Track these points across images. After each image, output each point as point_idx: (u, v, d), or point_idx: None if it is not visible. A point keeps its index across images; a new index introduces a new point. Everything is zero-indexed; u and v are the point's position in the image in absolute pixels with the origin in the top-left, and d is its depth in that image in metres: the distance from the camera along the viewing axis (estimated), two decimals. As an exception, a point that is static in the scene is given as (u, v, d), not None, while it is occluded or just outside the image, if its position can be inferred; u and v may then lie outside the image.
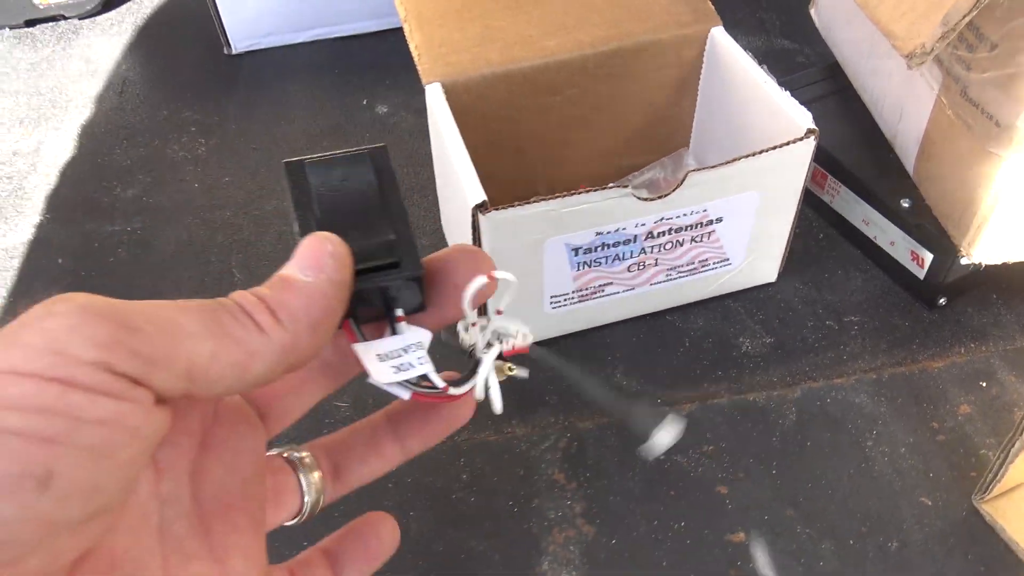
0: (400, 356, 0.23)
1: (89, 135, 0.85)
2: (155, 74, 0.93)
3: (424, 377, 0.24)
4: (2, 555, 0.17)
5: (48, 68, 0.94)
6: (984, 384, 0.61)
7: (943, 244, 0.62)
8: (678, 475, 0.57)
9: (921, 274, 0.65)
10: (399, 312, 0.24)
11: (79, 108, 0.88)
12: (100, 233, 0.75)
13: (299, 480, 0.28)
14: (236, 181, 0.80)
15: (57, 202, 0.78)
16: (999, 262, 0.59)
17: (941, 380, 0.61)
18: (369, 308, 0.24)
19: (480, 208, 0.53)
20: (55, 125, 0.86)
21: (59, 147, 0.84)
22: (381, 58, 0.93)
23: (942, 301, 0.65)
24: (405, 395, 0.24)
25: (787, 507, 0.55)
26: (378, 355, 0.23)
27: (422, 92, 0.61)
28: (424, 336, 0.24)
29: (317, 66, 0.93)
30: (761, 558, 0.52)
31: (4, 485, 0.17)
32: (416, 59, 0.63)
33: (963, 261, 0.61)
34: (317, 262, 0.22)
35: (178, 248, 0.73)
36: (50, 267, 0.72)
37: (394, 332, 0.24)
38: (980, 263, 0.61)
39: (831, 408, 0.60)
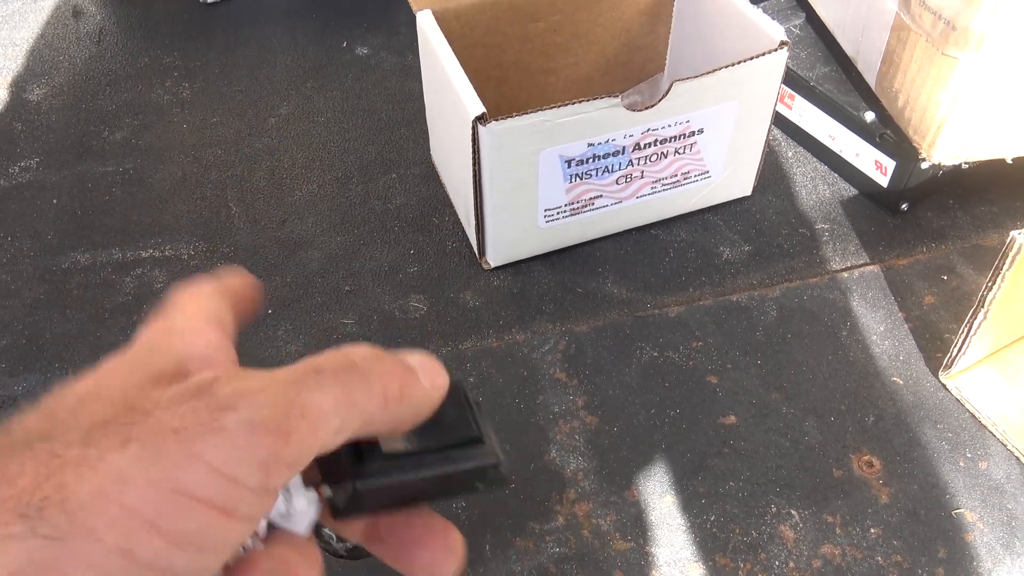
0: (290, 503, 0.23)
1: (70, 83, 0.86)
2: (132, 24, 0.93)
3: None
4: None
5: (21, 20, 0.94)
6: (945, 277, 0.66)
7: (905, 151, 0.67)
8: (671, 369, 0.61)
9: (884, 182, 0.70)
10: (326, 489, 0.24)
11: (57, 57, 0.89)
12: (93, 174, 0.76)
13: None
14: (224, 121, 0.81)
15: (46, 147, 0.79)
16: (958, 162, 0.64)
17: (906, 275, 0.66)
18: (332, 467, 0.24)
19: (480, 120, 0.56)
20: (34, 74, 0.87)
21: (41, 95, 0.84)
22: (357, 2, 0.94)
23: (904, 207, 0.70)
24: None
25: (772, 391, 0.59)
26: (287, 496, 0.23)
27: (400, 33, 0.63)
28: (305, 510, 0.23)
29: (294, 12, 0.94)
30: (751, 436, 0.57)
31: None
32: (406, -13, 0.65)
33: (923, 165, 0.66)
34: (434, 371, 0.23)
35: (173, 185, 0.75)
36: (45, 207, 0.73)
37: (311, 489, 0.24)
38: (939, 167, 0.66)
39: (808, 304, 0.65)
